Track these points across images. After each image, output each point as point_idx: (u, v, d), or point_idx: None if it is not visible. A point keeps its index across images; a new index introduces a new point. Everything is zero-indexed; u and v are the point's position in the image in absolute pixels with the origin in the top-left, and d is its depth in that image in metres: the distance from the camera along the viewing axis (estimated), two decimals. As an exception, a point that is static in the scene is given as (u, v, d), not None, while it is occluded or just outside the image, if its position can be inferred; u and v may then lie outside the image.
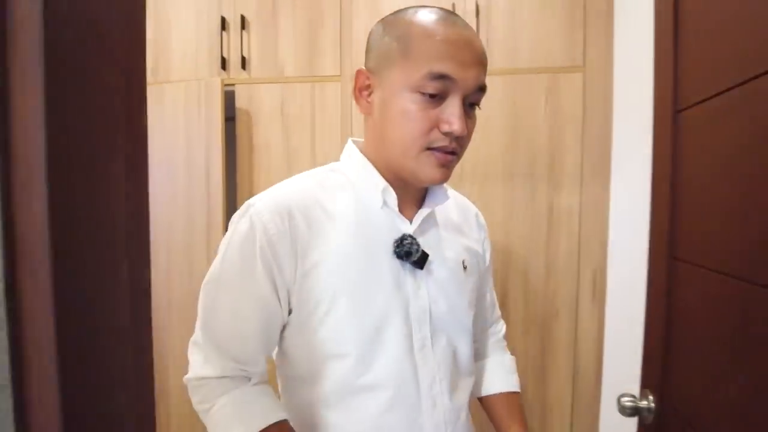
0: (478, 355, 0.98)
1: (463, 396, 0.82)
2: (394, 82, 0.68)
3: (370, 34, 0.76)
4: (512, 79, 1.68)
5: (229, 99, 1.82)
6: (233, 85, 1.82)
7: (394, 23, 0.71)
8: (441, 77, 0.65)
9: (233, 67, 1.83)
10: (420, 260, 0.73)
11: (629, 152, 1.48)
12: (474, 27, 1.67)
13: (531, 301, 1.70)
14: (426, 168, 0.69)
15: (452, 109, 0.66)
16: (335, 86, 1.80)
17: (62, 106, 0.33)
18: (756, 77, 0.71)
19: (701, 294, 0.90)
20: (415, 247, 0.72)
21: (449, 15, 0.70)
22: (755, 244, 0.73)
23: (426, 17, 0.69)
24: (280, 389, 0.84)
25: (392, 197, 0.75)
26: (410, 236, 0.73)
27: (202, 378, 0.73)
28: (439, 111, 0.67)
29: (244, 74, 1.82)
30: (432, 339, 0.75)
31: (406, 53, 0.67)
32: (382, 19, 0.75)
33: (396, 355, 0.72)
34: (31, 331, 0.32)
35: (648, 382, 1.11)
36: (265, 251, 0.69)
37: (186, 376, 0.76)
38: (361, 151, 0.78)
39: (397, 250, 0.71)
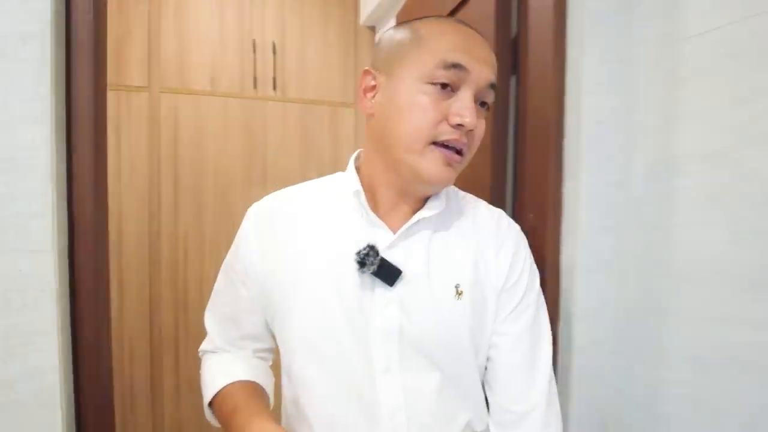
0: None
1: None
2: (406, 73, 0.68)
3: (382, 36, 0.76)
4: (303, 107, 2.21)
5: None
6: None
7: (408, 22, 0.73)
8: (454, 66, 0.65)
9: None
10: (382, 274, 0.68)
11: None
12: (271, 63, 2.14)
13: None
14: (430, 165, 0.67)
15: (463, 101, 0.66)
16: (143, 96, 2.02)
17: (97, 137, 0.67)
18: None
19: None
20: (371, 258, 0.67)
21: (463, 21, 0.74)
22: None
23: (442, 18, 0.73)
24: None
25: (362, 201, 0.72)
26: (370, 246, 0.68)
27: (202, 351, 0.84)
28: (449, 104, 0.66)
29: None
30: (401, 363, 0.69)
31: (420, 44, 0.68)
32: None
33: (348, 376, 0.69)
34: (83, 263, 0.66)
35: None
36: (244, 248, 0.75)
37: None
38: (356, 160, 0.79)
39: (355, 260, 0.68)
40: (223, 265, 0.80)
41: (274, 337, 0.79)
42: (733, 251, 0.72)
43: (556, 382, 0.75)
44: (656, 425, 0.83)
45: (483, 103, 0.70)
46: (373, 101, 0.72)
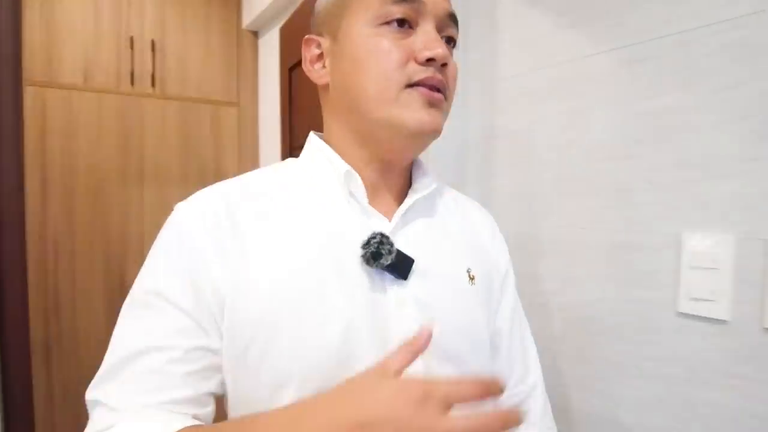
0: None
1: None
2: (354, 23, 0.60)
3: (317, 2, 0.68)
4: (184, 104, 2.27)
5: None
6: None
7: None
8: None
9: None
10: (397, 265, 0.58)
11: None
12: (150, 59, 2.17)
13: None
14: (410, 109, 0.58)
15: (428, 33, 0.58)
16: (4, 89, 1.93)
17: (16, 137, 0.76)
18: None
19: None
20: (387, 247, 0.57)
21: None
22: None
23: None
24: None
25: (358, 184, 0.61)
26: (381, 234, 0.58)
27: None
28: (411, 41, 0.59)
29: None
30: (428, 373, 0.57)
31: None
32: None
33: None
34: (7, 252, 0.75)
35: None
36: (186, 253, 0.56)
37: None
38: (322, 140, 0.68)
39: (363, 253, 0.57)
40: (127, 305, 0.57)
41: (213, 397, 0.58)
42: (527, 229, 1.04)
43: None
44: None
45: (449, 40, 0.63)
46: (323, 70, 0.65)
